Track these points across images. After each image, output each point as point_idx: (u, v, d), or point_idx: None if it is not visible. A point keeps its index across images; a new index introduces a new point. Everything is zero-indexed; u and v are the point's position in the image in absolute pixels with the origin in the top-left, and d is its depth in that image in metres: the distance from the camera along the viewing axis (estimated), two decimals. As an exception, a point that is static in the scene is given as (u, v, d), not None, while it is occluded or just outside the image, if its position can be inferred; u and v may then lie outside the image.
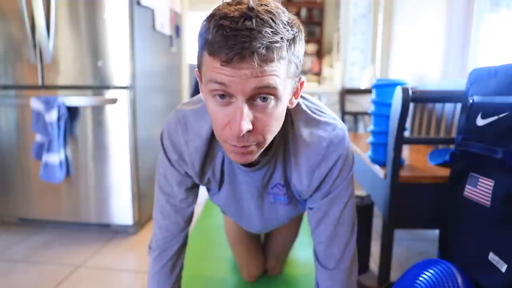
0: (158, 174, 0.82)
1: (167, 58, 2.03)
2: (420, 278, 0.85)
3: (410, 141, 1.13)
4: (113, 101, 1.54)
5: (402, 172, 1.05)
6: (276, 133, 0.62)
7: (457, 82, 1.25)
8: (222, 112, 0.56)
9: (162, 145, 0.78)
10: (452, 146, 1.15)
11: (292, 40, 0.55)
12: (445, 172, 1.04)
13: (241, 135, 0.55)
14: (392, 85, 1.09)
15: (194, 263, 1.36)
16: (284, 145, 0.73)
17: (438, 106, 1.45)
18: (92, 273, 1.32)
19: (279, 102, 0.57)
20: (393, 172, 1.02)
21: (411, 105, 1.62)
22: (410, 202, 1.05)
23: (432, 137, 1.41)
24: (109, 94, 1.55)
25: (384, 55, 2.64)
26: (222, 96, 0.55)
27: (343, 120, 2.41)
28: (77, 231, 1.69)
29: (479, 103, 0.90)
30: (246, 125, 0.54)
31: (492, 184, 0.81)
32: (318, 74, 5.21)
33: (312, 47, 5.30)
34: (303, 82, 0.65)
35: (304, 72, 4.96)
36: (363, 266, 1.28)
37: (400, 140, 1.01)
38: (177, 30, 2.16)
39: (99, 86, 1.55)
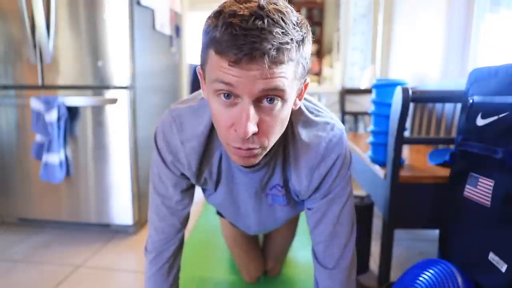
0: (152, 174, 0.80)
1: (167, 58, 2.03)
2: (420, 278, 0.85)
3: (410, 141, 1.13)
4: (113, 101, 1.54)
5: (402, 172, 1.05)
6: (279, 135, 0.61)
7: (457, 82, 1.25)
8: (227, 113, 0.55)
9: (156, 145, 0.75)
10: (452, 146, 1.15)
11: (301, 41, 0.53)
12: (445, 172, 1.04)
13: (247, 137, 0.53)
14: (392, 85, 1.09)
15: (194, 263, 1.36)
16: (283, 146, 0.72)
17: (438, 106, 1.45)
18: (92, 273, 1.32)
19: (285, 104, 0.56)
20: (393, 172, 1.02)
21: (411, 105, 1.62)
22: (410, 202, 1.05)
23: (432, 137, 1.41)
24: (109, 94, 1.55)
25: (384, 55, 2.64)
26: (227, 96, 0.53)
27: (343, 120, 2.41)
28: (77, 231, 1.69)
29: (479, 103, 0.89)
30: (252, 128, 0.53)
31: (492, 184, 0.81)
32: (318, 74, 5.21)
33: (312, 47, 5.30)
34: (307, 83, 0.64)
35: (304, 72, 4.95)
36: (363, 266, 1.28)
37: (400, 140, 1.01)
38: (177, 30, 2.16)
39: (99, 86, 1.55)
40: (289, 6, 0.54)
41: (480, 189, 0.84)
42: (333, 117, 0.75)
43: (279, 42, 0.49)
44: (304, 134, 0.71)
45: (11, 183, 1.69)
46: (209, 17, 0.54)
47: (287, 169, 0.75)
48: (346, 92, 2.46)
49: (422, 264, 0.90)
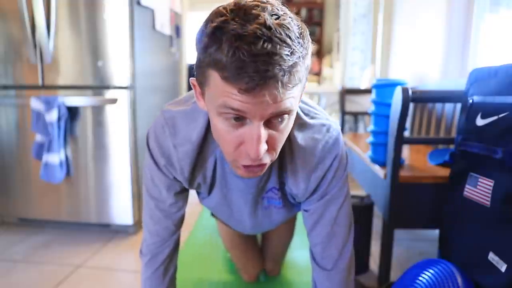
0: (145, 177, 0.78)
1: (167, 58, 2.03)
2: (420, 278, 0.85)
3: (410, 141, 1.13)
4: (113, 101, 1.54)
5: (402, 172, 1.05)
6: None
7: (457, 82, 1.25)
8: (234, 132, 0.53)
9: (148, 147, 0.73)
10: (452, 146, 1.15)
11: (306, 54, 0.52)
12: (445, 172, 1.04)
13: (260, 158, 0.53)
14: (392, 85, 1.09)
15: (194, 263, 1.36)
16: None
17: (438, 106, 1.45)
18: (92, 273, 1.32)
19: (291, 117, 0.56)
20: (393, 172, 1.02)
21: (411, 105, 1.63)
22: (410, 202, 1.05)
23: (432, 137, 1.42)
24: (109, 94, 1.55)
25: (384, 55, 2.64)
26: (237, 119, 0.52)
27: (343, 120, 2.41)
28: (77, 231, 1.69)
29: (479, 103, 0.90)
30: (264, 148, 0.52)
31: (492, 184, 0.81)
32: (318, 74, 5.22)
33: (312, 47, 5.31)
34: (306, 86, 0.63)
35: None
36: (363, 266, 1.28)
37: (400, 140, 1.01)
38: (177, 30, 2.16)
39: (99, 86, 1.55)
40: (288, 12, 0.51)
41: (480, 189, 0.85)
42: (328, 117, 0.75)
43: (289, 66, 0.48)
44: (300, 137, 0.70)
45: (11, 183, 1.69)
46: (206, 32, 0.49)
47: (284, 172, 0.74)
48: (346, 92, 2.46)
49: (422, 264, 0.90)
